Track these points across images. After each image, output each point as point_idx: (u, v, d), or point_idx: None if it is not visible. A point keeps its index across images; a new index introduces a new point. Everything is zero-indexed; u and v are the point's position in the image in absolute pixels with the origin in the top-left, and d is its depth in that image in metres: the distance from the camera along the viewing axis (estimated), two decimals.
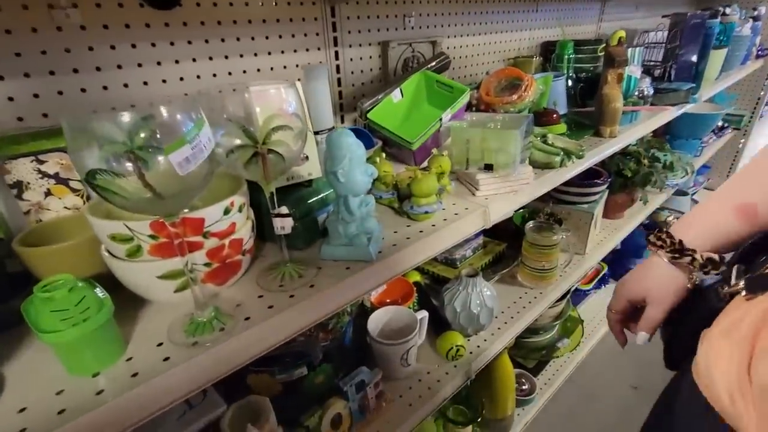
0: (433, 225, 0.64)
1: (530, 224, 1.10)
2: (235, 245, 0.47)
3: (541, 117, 1.01)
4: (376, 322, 0.87)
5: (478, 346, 0.94)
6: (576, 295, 1.68)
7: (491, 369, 1.09)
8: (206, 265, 0.45)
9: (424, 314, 0.89)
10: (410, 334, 0.82)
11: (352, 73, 0.94)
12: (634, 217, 1.50)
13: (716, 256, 0.42)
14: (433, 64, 0.91)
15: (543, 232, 1.09)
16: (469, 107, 1.07)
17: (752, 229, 0.41)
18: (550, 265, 1.09)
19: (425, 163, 0.76)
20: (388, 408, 0.81)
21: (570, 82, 1.26)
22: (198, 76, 0.74)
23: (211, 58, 0.74)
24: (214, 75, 0.75)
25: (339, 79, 0.92)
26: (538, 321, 1.24)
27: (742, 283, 0.35)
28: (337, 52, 0.89)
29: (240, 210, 0.47)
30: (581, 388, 1.48)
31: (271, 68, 0.81)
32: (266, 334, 0.45)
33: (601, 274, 1.76)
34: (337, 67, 0.90)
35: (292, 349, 0.76)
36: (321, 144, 0.67)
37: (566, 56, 1.25)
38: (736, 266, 0.38)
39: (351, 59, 0.92)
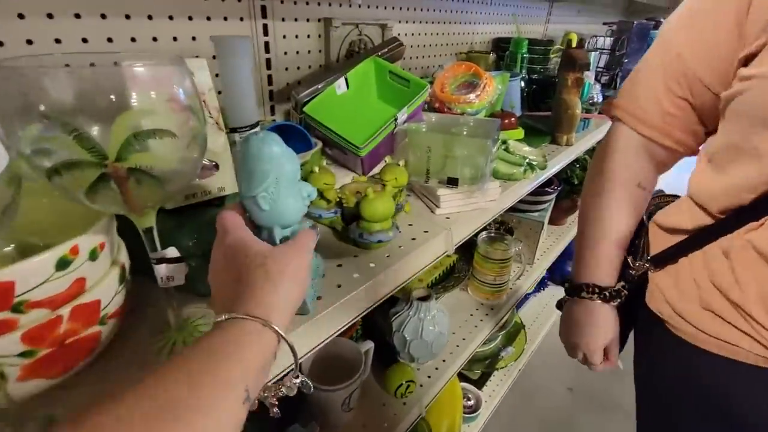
0: (388, 256, 0.51)
1: (482, 235, 1.02)
2: (84, 314, 0.29)
3: (500, 120, 0.91)
4: (312, 358, 0.72)
5: (429, 377, 0.83)
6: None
7: (439, 395, 1.00)
8: (24, 355, 0.27)
9: (369, 345, 0.76)
10: (354, 373, 0.69)
11: (286, 54, 0.76)
12: (576, 222, 1.51)
13: (622, 283, 0.56)
14: (385, 50, 0.76)
15: (495, 244, 1.01)
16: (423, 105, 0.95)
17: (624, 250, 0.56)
18: (503, 278, 1.02)
19: (376, 171, 0.62)
20: None
21: (523, 84, 1.20)
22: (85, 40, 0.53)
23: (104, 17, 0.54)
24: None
25: (268, 60, 0.74)
26: None
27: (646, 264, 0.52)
28: (266, 26, 0.71)
29: (92, 257, 0.30)
30: (522, 394, 1.47)
31: (174, 38, 0.61)
32: None
33: (540, 277, 1.76)
34: (266, 44, 0.72)
35: None
36: (238, 145, 0.50)
37: (520, 55, 1.18)
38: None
39: (284, 36, 0.75)
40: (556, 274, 1.83)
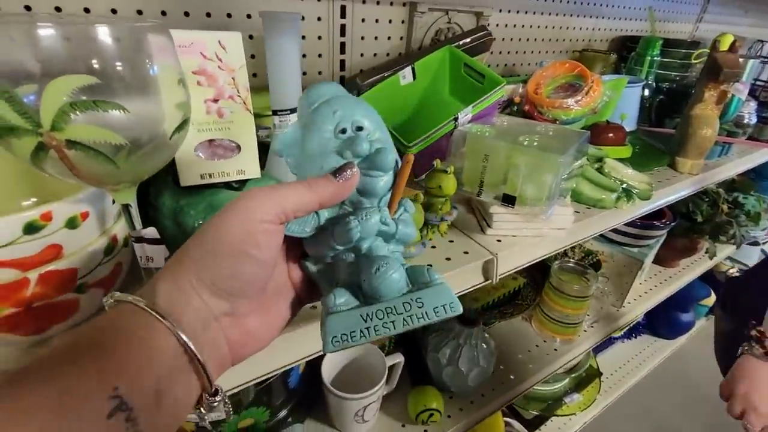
0: None
1: (557, 264, 0.87)
2: (56, 280, 0.29)
3: (600, 133, 0.76)
4: (335, 361, 0.69)
5: (461, 410, 0.75)
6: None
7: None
8: None
9: (397, 359, 0.70)
10: (373, 385, 0.64)
11: (362, 39, 0.72)
12: (692, 268, 1.23)
13: None
14: (468, 40, 0.68)
15: (572, 277, 0.87)
16: (508, 106, 0.84)
17: None
18: (575, 317, 0.87)
19: (423, 177, 0.55)
20: None
21: (647, 92, 0.99)
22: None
23: None
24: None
25: (342, 45, 0.71)
26: None
27: None
28: (343, 8, 0.68)
29: (71, 225, 0.29)
30: None
31: (248, 15, 0.61)
32: None
33: (634, 322, 1.50)
34: (342, 27, 0.69)
35: None
36: (278, 128, 0.47)
37: (649, 57, 0.98)
38: None
39: (363, 20, 0.71)
40: (657, 323, 1.54)
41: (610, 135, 0.77)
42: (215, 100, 0.40)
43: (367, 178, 0.24)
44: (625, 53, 1.05)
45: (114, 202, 0.34)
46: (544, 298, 0.89)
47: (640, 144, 0.89)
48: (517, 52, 0.96)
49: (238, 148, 0.41)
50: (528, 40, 0.96)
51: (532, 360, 0.86)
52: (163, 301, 0.19)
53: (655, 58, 0.98)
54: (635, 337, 1.52)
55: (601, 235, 1.01)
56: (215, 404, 0.22)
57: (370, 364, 0.69)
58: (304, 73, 0.69)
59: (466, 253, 0.48)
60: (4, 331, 0.29)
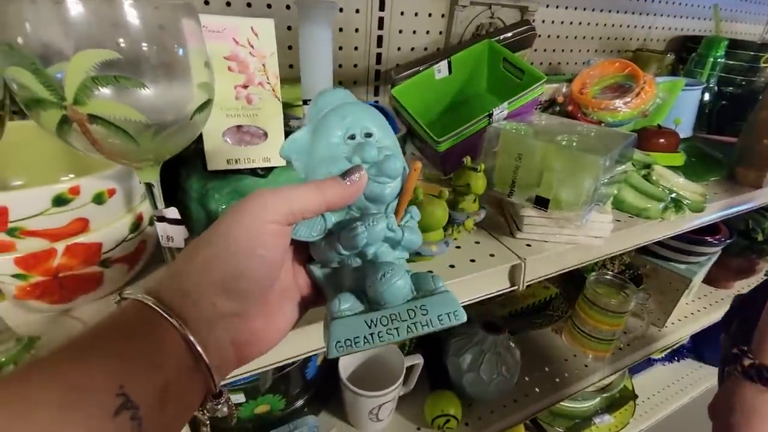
0: (429, 271, 0.42)
1: (594, 275, 0.82)
2: (82, 252, 0.30)
3: (650, 138, 0.71)
4: (354, 355, 0.68)
5: (480, 418, 0.72)
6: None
7: None
8: (18, 277, 0.28)
9: (417, 360, 0.68)
10: (389, 384, 0.63)
11: (401, 32, 0.71)
12: (747, 289, 1.12)
13: None
14: (509, 35, 0.65)
15: (609, 290, 0.81)
16: (550, 106, 0.80)
17: None
18: (609, 333, 0.82)
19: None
20: None
21: (708, 96, 0.91)
22: None
23: None
24: None
25: (380, 38, 0.70)
26: None
27: None
28: (383, 0, 0.67)
29: (98, 200, 0.30)
30: None
31: (287, 6, 0.61)
32: None
33: (678, 345, 1.39)
34: (380, 20, 0.68)
35: None
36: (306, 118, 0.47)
37: (712, 59, 0.90)
38: None
39: (402, 13, 0.70)
40: (703, 348, 1.42)
41: (661, 140, 0.71)
42: (245, 86, 0.40)
43: (374, 184, 0.24)
44: (684, 54, 0.97)
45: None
46: (577, 310, 0.84)
47: (695, 152, 0.82)
48: (563, 51, 0.91)
49: (265, 135, 0.41)
50: (576, 37, 0.91)
51: (560, 374, 0.81)
52: (171, 300, 0.19)
53: (719, 60, 0.90)
54: (678, 361, 1.42)
55: (645, 248, 0.94)
56: (218, 406, 0.22)
57: (389, 363, 0.68)
58: (340, 66, 0.69)
59: (492, 255, 0.46)
60: (34, 298, 0.30)
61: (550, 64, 0.92)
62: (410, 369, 0.68)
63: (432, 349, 0.80)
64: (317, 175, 0.24)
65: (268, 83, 0.41)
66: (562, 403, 1.13)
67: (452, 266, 0.44)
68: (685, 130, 0.85)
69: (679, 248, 0.89)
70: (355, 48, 0.69)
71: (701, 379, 1.37)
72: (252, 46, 0.39)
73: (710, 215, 0.63)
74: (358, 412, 0.65)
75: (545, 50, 0.88)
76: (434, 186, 0.50)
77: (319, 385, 0.69)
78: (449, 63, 0.57)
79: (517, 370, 0.69)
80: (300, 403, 0.67)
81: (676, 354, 1.42)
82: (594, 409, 1.16)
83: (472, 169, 0.46)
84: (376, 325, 0.23)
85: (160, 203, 0.31)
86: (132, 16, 0.22)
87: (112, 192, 0.31)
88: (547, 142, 0.44)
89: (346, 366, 0.67)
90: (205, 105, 0.27)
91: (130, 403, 0.16)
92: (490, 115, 0.50)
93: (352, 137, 0.24)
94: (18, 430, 0.14)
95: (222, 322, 0.20)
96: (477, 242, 0.48)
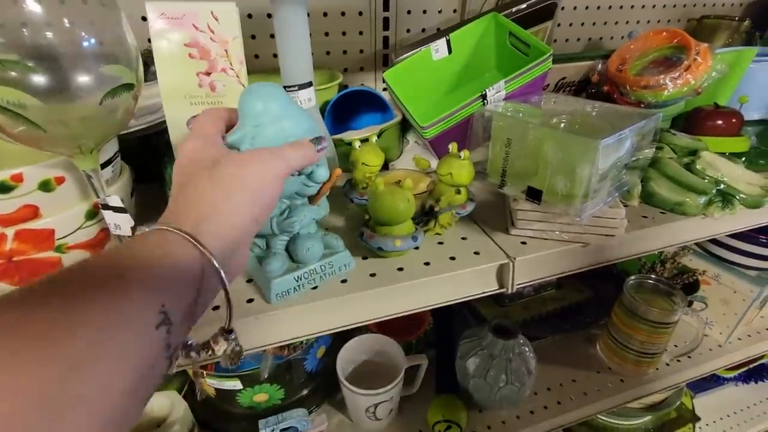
0: (400, 269, 0.39)
1: (634, 279, 0.72)
2: (33, 238, 0.31)
3: (703, 120, 0.61)
4: (355, 351, 0.67)
5: (489, 428, 0.67)
6: (703, 378, 1.18)
7: None
8: None
9: (419, 361, 0.65)
10: (388, 382, 0.60)
11: (409, 12, 0.67)
12: None
13: None
14: (523, 6, 0.57)
15: (652, 297, 0.71)
16: (585, 88, 0.72)
17: None
18: (651, 347, 0.71)
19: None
20: None
21: None
22: None
23: None
24: None
25: (386, 20, 0.66)
26: None
27: None
28: None
29: (45, 188, 0.31)
30: None
31: None
32: None
33: (757, 363, 1.19)
34: (385, 1, 0.65)
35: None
36: None
37: None
38: None
39: None
40: None
41: (718, 122, 0.60)
42: (207, 73, 0.39)
43: (304, 187, 0.32)
44: (762, 19, 0.81)
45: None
46: (613, 318, 0.74)
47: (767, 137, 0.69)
48: (605, 23, 0.80)
49: None
50: (621, 7, 0.80)
51: (589, 388, 0.73)
52: (190, 224, 0.22)
53: None
54: (757, 382, 1.22)
55: (706, 250, 0.81)
56: (230, 341, 0.25)
57: (393, 361, 0.66)
58: (345, 52, 0.67)
59: (476, 253, 0.41)
60: None
61: (589, 39, 0.81)
62: (412, 369, 0.65)
63: (446, 351, 0.75)
64: None
65: (232, 69, 0.40)
66: (602, 417, 1.03)
67: (427, 263, 0.40)
68: (758, 110, 0.71)
69: (748, 251, 0.75)
70: (360, 32, 0.66)
71: None
72: (213, 32, 0.38)
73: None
74: (356, 410, 0.63)
75: (583, 24, 0.79)
76: (420, 176, 0.46)
77: (321, 379, 0.69)
78: (448, 41, 0.52)
79: (530, 380, 0.63)
80: (301, 395, 0.67)
81: (754, 374, 1.22)
82: (641, 428, 1.04)
83: (455, 157, 0.41)
84: (301, 279, 0.35)
85: (102, 191, 0.31)
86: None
87: (60, 180, 0.32)
88: (539, 125, 0.38)
89: (347, 361, 0.65)
90: (120, 90, 0.26)
91: (168, 320, 0.19)
92: (484, 97, 0.45)
93: None
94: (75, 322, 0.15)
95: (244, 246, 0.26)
96: (464, 238, 0.44)
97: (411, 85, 0.53)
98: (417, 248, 0.42)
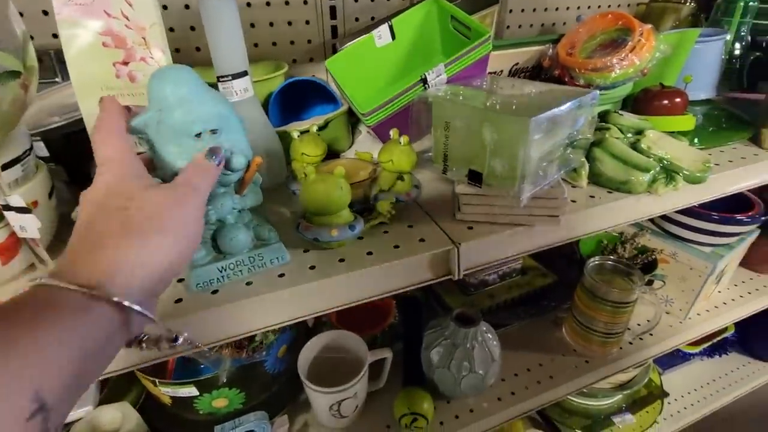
0: (341, 260, 0.38)
1: (594, 261, 0.73)
2: None
3: (650, 100, 0.61)
4: (317, 348, 0.65)
5: (457, 417, 0.66)
6: (670, 355, 1.21)
7: None
8: None
9: (383, 355, 0.64)
10: (350, 379, 0.59)
11: (356, 1, 0.65)
12: None
13: None
14: None
15: (613, 277, 0.72)
16: (538, 74, 0.72)
17: None
18: (613, 327, 0.72)
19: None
20: None
21: (738, 49, 0.78)
22: None
23: None
24: None
25: (332, 9, 0.65)
26: None
27: None
28: None
29: None
30: None
31: None
32: None
33: (720, 338, 1.23)
34: None
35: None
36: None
37: (742, 3, 0.76)
38: None
39: None
40: (753, 341, 1.26)
41: (664, 102, 0.61)
42: (125, 63, 0.37)
43: (222, 176, 0.30)
44: (709, 2, 0.83)
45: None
46: (576, 301, 0.75)
47: (717, 115, 0.70)
48: (557, 9, 0.81)
49: None
50: None
51: (556, 371, 0.73)
52: (99, 274, 0.20)
53: (751, 4, 0.76)
54: (720, 356, 1.26)
55: (663, 230, 0.83)
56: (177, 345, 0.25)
57: (356, 357, 0.64)
58: (292, 42, 0.65)
59: (422, 241, 0.40)
60: None
61: (542, 25, 0.82)
62: (378, 364, 0.64)
63: (413, 343, 0.75)
64: (166, 156, 0.28)
65: (152, 58, 0.37)
66: (575, 399, 1.04)
67: (370, 253, 0.39)
68: (704, 90, 0.73)
69: (701, 228, 0.77)
70: (306, 22, 0.64)
71: (749, 376, 1.21)
72: (127, 18, 0.36)
73: (731, 187, 0.53)
74: (320, 409, 0.62)
75: (534, 10, 0.79)
76: (364, 164, 0.45)
77: (285, 380, 0.67)
78: (390, 27, 0.51)
79: (494, 367, 0.63)
80: (264, 398, 0.65)
81: (717, 348, 1.26)
82: (614, 407, 1.06)
83: (396, 143, 0.40)
84: (225, 270, 0.34)
85: (1, 192, 0.29)
86: None
87: None
88: (473, 106, 0.38)
89: (308, 360, 0.63)
90: (3, 77, 0.24)
91: (44, 405, 0.16)
92: (425, 81, 0.44)
93: (199, 135, 0.28)
94: None
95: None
96: (410, 226, 0.43)
97: (356, 73, 0.52)
98: (361, 238, 0.41)
